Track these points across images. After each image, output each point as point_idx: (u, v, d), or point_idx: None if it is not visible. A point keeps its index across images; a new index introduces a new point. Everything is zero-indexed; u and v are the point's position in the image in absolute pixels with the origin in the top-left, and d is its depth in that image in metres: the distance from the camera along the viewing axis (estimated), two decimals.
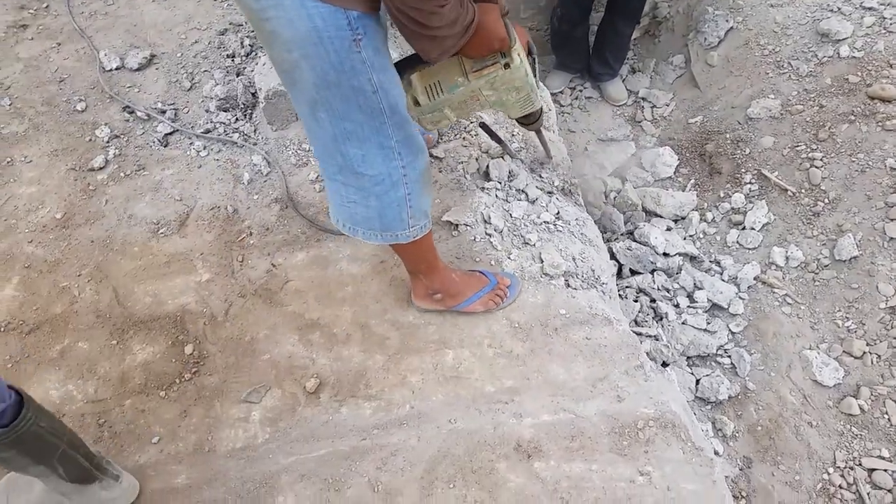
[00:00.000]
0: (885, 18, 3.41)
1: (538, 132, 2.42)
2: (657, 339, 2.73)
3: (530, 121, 2.26)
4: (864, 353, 2.63)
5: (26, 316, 2.25)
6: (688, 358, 2.80)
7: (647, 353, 2.45)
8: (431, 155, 2.59)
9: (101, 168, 2.63)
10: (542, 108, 2.21)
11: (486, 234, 2.38)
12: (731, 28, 3.83)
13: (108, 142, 2.70)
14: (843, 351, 2.68)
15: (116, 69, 2.95)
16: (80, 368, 2.13)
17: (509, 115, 2.05)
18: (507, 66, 1.76)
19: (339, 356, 2.15)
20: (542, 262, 2.33)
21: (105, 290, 2.30)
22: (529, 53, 1.92)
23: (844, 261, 2.85)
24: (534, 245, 2.38)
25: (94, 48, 3.02)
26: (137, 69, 2.94)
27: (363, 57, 1.43)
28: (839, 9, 3.55)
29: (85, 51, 3.04)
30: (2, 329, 2.21)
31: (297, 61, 1.45)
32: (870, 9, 3.49)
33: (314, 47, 1.40)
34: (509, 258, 2.34)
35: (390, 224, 1.77)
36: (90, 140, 2.72)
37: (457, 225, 2.38)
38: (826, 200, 3.05)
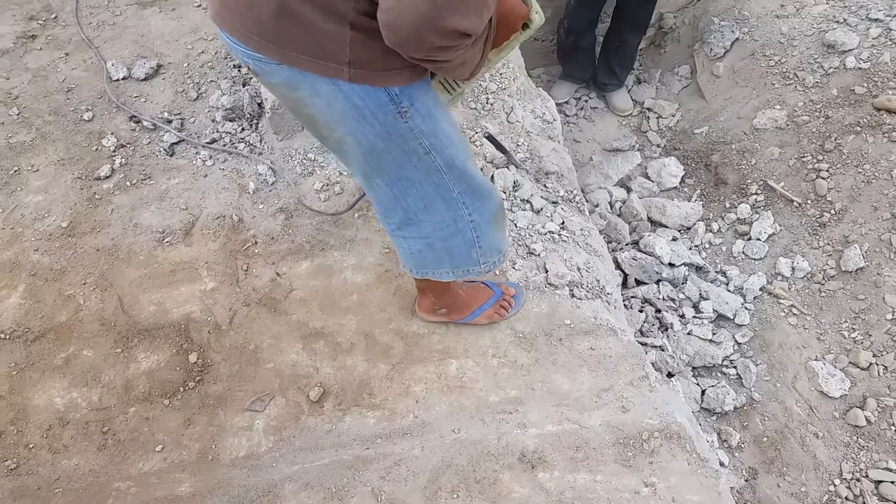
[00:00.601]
0: (891, 30, 3.41)
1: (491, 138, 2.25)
2: (662, 350, 2.73)
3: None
4: (871, 364, 2.62)
5: (31, 324, 2.25)
6: (693, 368, 2.79)
7: (652, 364, 2.45)
8: None
9: (107, 177, 2.64)
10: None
11: None
12: (737, 39, 3.83)
13: (114, 151, 2.72)
14: (850, 362, 2.66)
15: (123, 79, 2.96)
16: (84, 376, 2.14)
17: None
18: (524, 27, 1.54)
19: (342, 365, 2.15)
20: (546, 272, 2.33)
21: (110, 299, 2.31)
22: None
23: (851, 272, 2.84)
24: (538, 255, 2.38)
25: (102, 58, 3.04)
26: (144, 79, 2.95)
27: (410, 126, 1.39)
28: (845, 20, 3.55)
29: (92, 61, 3.06)
30: (7, 337, 2.22)
31: (343, 137, 1.42)
32: (876, 20, 3.50)
33: (357, 123, 1.36)
34: (514, 268, 2.34)
35: (461, 262, 1.76)
36: (97, 149, 2.73)
37: None
38: (832, 211, 3.04)
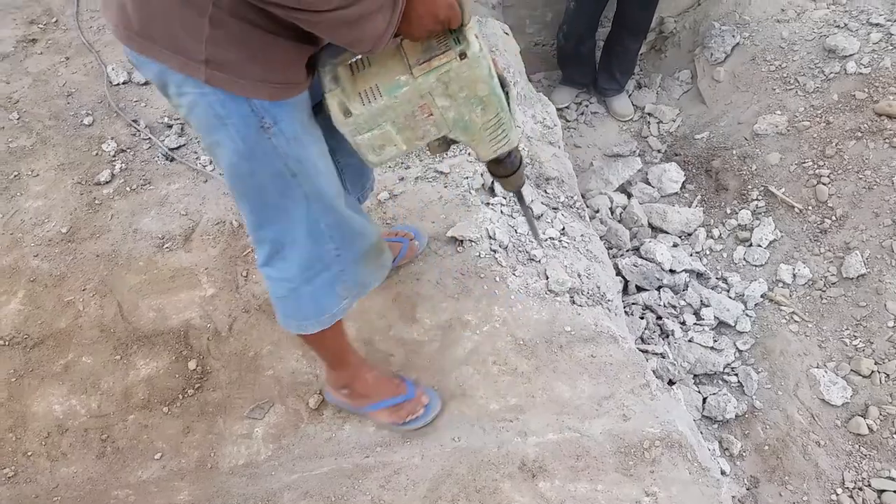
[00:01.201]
0: (891, 35, 3.40)
1: (520, 196, 1.75)
2: (663, 357, 2.72)
3: (507, 170, 1.61)
4: (873, 371, 2.61)
5: (31, 330, 2.24)
6: (694, 376, 2.79)
7: (653, 372, 2.44)
8: (437, 171, 2.59)
9: (107, 182, 2.63)
10: (521, 158, 1.62)
11: (491, 249, 2.37)
12: (738, 44, 3.83)
13: (114, 156, 2.71)
14: (851, 370, 2.66)
15: (124, 83, 2.96)
16: (83, 383, 2.13)
17: (480, 156, 1.54)
18: (462, 55, 1.30)
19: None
20: (547, 278, 2.32)
21: (109, 305, 2.30)
22: (503, 87, 1.45)
23: (852, 279, 2.84)
24: (539, 261, 2.37)
25: (102, 62, 3.03)
26: (145, 83, 2.95)
27: (274, 144, 1.31)
28: (846, 25, 3.55)
29: (93, 65, 3.05)
30: (6, 343, 2.21)
31: (211, 148, 1.34)
32: (877, 25, 3.49)
33: (219, 135, 1.29)
34: (514, 274, 2.33)
35: (325, 306, 1.62)
36: (97, 154, 2.73)
37: (462, 241, 2.37)
38: (833, 218, 3.04)
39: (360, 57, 1.36)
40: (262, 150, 1.31)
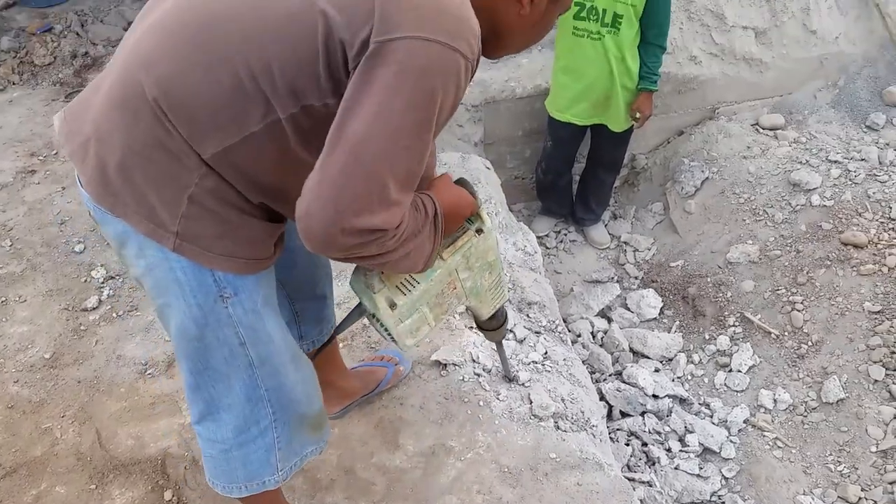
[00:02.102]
0: (849, 171, 3.62)
1: (499, 345, 2.14)
2: (650, 486, 2.68)
3: (498, 322, 1.91)
4: (860, 498, 2.59)
5: (3, 459, 2.19)
6: None
7: (640, 502, 2.40)
8: None
9: (94, 308, 2.66)
10: (507, 315, 1.92)
11: (475, 373, 2.39)
12: (707, 178, 4.04)
13: (102, 283, 2.75)
14: (839, 496, 2.63)
15: None
16: None
17: (480, 316, 1.81)
18: (479, 231, 1.55)
19: (321, 503, 2.09)
20: (531, 402, 2.32)
21: (88, 432, 2.26)
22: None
23: (832, 403, 2.87)
24: (524, 384, 2.38)
25: None
26: None
27: (230, 313, 1.33)
28: (807, 161, 3.78)
29: None
30: None
31: (162, 309, 1.36)
32: (835, 162, 3.72)
33: (175, 299, 1.31)
34: (498, 398, 2.33)
35: (256, 472, 1.57)
36: (85, 280, 2.77)
37: (445, 364, 2.39)
38: (809, 343, 3.11)
39: None
40: (215, 318, 1.33)
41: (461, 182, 1.52)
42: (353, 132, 1.07)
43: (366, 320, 1.65)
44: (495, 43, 1.32)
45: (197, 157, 1.18)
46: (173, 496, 2.11)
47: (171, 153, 1.18)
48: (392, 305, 1.50)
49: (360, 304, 1.60)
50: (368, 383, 2.26)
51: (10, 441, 2.24)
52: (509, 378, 2.28)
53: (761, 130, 4.22)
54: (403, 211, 1.15)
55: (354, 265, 1.50)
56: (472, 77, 1.19)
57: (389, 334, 1.58)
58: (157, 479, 2.15)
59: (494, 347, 2.28)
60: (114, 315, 2.63)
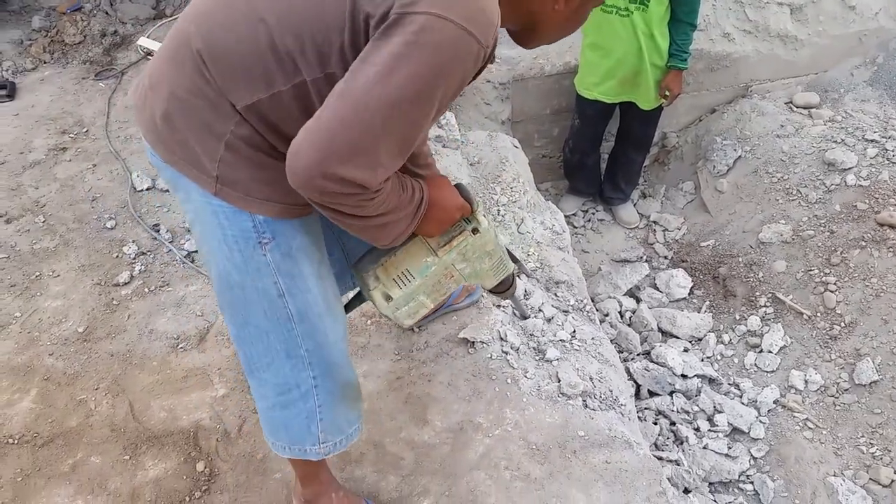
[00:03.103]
0: (887, 150, 3.53)
1: (512, 297, 2.17)
2: (678, 465, 2.66)
3: (504, 287, 1.98)
4: (893, 481, 2.55)
5: (41, 429, 2.24)
6: (710, 484, 2.72)
7: (668, 480, 2.39)
8: None
9: (125, 283, 2.69)
10: (514, 274, 1.96)
11: (503, 351, 2.38)
12: (740, 157, 3.97)
13: (134, 258, 2.78)
14: (870, 478, 2.60)
15: (147, 189, 3.08)
16: (90, 484, 2.10)
17: (485, 287, 1.87)
18: (475, 231, 1.60)
19: (351, 476, 2.11)
20: (559, 381, 2.32)
21: (121, 404, 2.30)
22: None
23: (865, 385, 2.82)
24: (551, 363, 2.38)
25: (128, 169, 3.17)
26: (167, 190, 3.07)
27: (268, 260, 1.38)
28: (843, 140, 3.69)
29: (118, 172, 3.19)
30: (15, 442, 2.20)
31: (207, 257, 1.43)
32: (872, 141, 3.64)
33: (218, 244, 1.38)
34: (526, 376, 2.33)
35: (297, 438, 1.62)
36: (117, 256, 2.80)
37: (473, 342, 2.39)
38: (842, 324, 3.05)
39: (387, 254, 1.60)
40: (255, 265, 1.39)
41: (458, 187, 1.59)
42: (357, 87, 1.12)
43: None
44: (530, 35, 1.36)
45: (231, 106, 1.25)
46: (206, 467, 2.14)
47: (209, 101, 1.26)
48: (388, 298, 1.60)
49: (360, 292, 1.71)
50: None
51: (47, 412, 2.28)
52: (524, 316, 2.45)
53: (795, 109, 4.14)
54: (387, 176, 1.20)
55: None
56: (483, 66, 1.22)
57: (388, 318, 1.67)
58: (189, 451, 2.19)
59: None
60: (145, 290, 2.67)
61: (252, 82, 1.23)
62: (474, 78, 1.25)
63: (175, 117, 1.29)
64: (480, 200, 1.69)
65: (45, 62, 3.97)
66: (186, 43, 1.26)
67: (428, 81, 1.12)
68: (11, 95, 3.67)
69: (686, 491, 2.62)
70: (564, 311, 2.63)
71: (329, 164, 1.12)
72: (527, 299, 2.59)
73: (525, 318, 2.44)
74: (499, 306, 2.54)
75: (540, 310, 2.57)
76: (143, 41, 3.97)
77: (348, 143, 1.12)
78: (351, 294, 1.89)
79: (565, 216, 3.65)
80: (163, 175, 1.42)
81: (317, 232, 1.50)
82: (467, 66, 1.15)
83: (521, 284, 2.62)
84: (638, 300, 3.63)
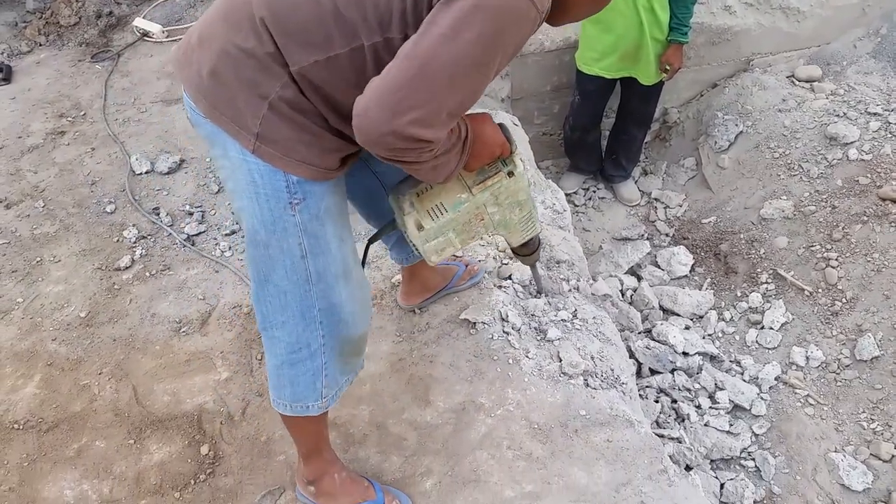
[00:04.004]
0: (889, 123, 3.51)
1: (533, 266, 2.27)
2: (680, 442, 2.68)
3: (530, 250, 2.06)
4: (893, 456, 2.56)
5: (45, 414, 2.25)
6: (711, 461, 2.74)
7: (670, 457, 2.40)
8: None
9: (127, 268, 2.69)
10: (540, 241, 2.06)
11: (504, 332, 2.39)
12: (741, 132, 3.94)
13: (134, 242, 2.78)
14: (871, 454, 2.61)
15: (146, 173, 3.07)
16: (96, 468, 2.12)
17: (511, 244, 1.96)
18: (510, 174, 1.67)
19: (354, 457, 2.12)
20: (560, 360, 2.32)
21: (125, 389, 2.32)
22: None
23: (866, 361, 2.83)
24: (552, 343, 2.38)
25: (126, 153, 3.16)
26: (167, 173, 3.06)
27: (297, 220, 1.44)
28: (845, 114, 3.66)
29: (117, 155, 3.18)
30: (21, 427, 2.22)
31: (239, 213, 1.49)
32: (875, 114, 3.61)
33: (250, 201, 1.43)
34: (527, 356, 2.34)
35: (302, 394, 1.67)
36: (118, 241, 2.80)
37: (474, 323, 2.39)
38: (844, 300, 3.05)
39: (423, 184, 1.68)
40: (282, 225, 1.44)
41: (501, 126, 1.65)
42: (424, 49, 1.18)
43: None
44: (560, 13, 1.41)
45: (282, 68, 1.31)
46: (210, 451, 2.16)
47: (259, 62, 1.31)
48: (419, 227, 1.68)
49: (393, 219, 1.77)
50: (446, 277, 2.44)
51: (52, 397, 2.30)
52: (542, 293, 2.49)
53: (797, 82, 4.10)
54: (448, 130, 1.29)
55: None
56: (536, 30, 1.30)
57: (416, 249, 1.75)
58: (193, 434, 2.20)
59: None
60: (147, 274, 2.67)
61: (311, 45, 1.28)
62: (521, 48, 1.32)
63: (223, 74, 1.34)
64: (518, 147, 1.73)
65: (40, 44, 3.94)
66: (246, 9, 1.31)
67: (490, 43, 1.19)
68: (7, 79, 3.65)
69: (688, 468, 2.63)
70: (566, 290, 2.63)
71: (398, 123, 1.18)
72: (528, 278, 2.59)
73: (541, 292, 2.49)
74: (500, 287, 2.54)
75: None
76: (139, 22, 3.93)
77: (415, 101, 1.18)
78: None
79: (566, 194, 3.63)
80: (200, 130, 1.46)
81: (342, 193, 1.57)
82: (525, 30, 1.23)
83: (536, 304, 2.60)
84: (639, 278, 3.63)
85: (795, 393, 2.89)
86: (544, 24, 1.41)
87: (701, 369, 3.00)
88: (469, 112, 1.49)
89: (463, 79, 1.22)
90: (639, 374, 3.00)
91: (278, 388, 1.68)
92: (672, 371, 2.98)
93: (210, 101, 1.38)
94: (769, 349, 3.11)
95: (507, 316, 2.41)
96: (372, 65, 1.29)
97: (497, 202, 1.71)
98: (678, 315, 3.35)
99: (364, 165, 1.80)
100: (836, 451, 2.65)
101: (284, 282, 1.51)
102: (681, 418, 2.82)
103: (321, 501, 1.92)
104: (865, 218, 3.23)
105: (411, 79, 1.18)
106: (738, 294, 3.40)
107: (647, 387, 2.92)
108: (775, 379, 2.97)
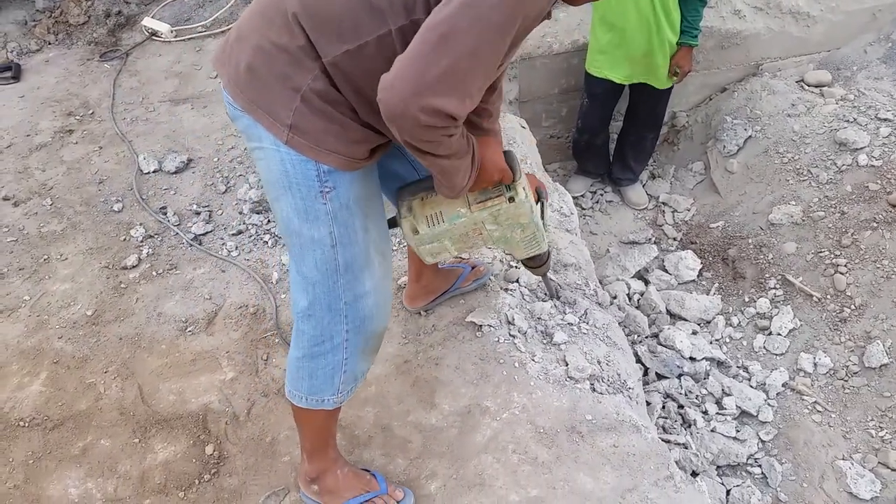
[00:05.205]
0: None
1: (544, 276, 2.28)
2: (686, 448, 2.66)
3: (537, 264, 2.10)
4: None
5: (51, 412, 2.25)
6: (718, 467, 2.72)
7: (676, 463, 2.39)
8: (456, 257, 2.63)
9: (133, 266, 2.69)
10: (549, 253, 2.08)
11: (510, 335, 2.38)
12: (750, 137, 3.93)
13: (141, 241, 2.78)
14: (879, 462, 2.59)
15: (154, 172, 3.07)
16: (100, 466, 2.12)
17: (515, 256, 1.99)
18: (511, 199, 1.70)
19: (359, 459, 2.11)
20: (566, 364, 2.31)
21: (130, 388, 2.31)
22: (539, 199, 1.88)
23: (874, 368, 2.81)
24: (559, 347, 2.37)
25: (134, 152, 3.16)
26: (175, 172, 3.06)
27: (328, 209, 1.48)
28: (855, 119, 3.64)
29: (125, 154, 3.18)
30: (26, 425, 2.22)
31: (273, 204, 1.54)
32: (885, 120, 3.58)
33: (283, 190, 1.47)
34: (533, 360, 2.33)
35: (319, 387, 1.69)
36: (125, 239, 2.80)
37: (480, 326, 2.38)
38: (852, 307, 3.03)
39: (430, 191, 1.73)
40: (314, 213, 1.48)
41: (507, 153, 1.69)
42: (445, 18, 1.19)
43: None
44: None
45: (315, 61, 1.36)
46: (214, 450, 2.15)
47: (292, 56, 1.36)
48: (414, 231, 1.74)
49: (393, 217, 1.82)
50: (449, 279, 2.44)
51: (57, 395, 2.30)
52: (551, 296, 2.49)
53: (807, 87, 4.08)
54: (472, 107, 1.28)
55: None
56: (550, 10, 1.34)
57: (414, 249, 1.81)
58: (198, 434, 2.20)
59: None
60: (153, 273, 2.67)
61: (341, 35, 1.32)
62: (538, 23, 1.33)
63: (259, 68, 1.39)
64: (524, 176, 1.75)
65: (49, 43, 3.95)
66: (280, 3, 1.36)
67: (510, 10, 1.20)
68: (17, 77, 3.66)
69: (694, 474, 2.62)
70: (573, 294, 2.62)
71: (423, 95, 1.19)
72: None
73: (551, 297, 2.49)
74: (507, 290, 2.53)
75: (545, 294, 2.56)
76: (148, 21, 3.94)
77: (440, 72, 1.19)
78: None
79: (573, 197, 3.62)
80: (238, 124, 1.51)
81: (373, 184, 1.60)
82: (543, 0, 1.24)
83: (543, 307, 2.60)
84: (646, 282, 3.61)
85: (803, 399, 2.87)
86: (552, 26, 1.41)
87: (708, 375, 2.98)
88: (482, 134, 1.57)
89: (485, 45, 1.22)
90: (645, 378, 2.99)
91: (296, 379, 1.70)
92: (679, 376, 2.96)
93: (247, 96, 1.42)
94: (777, 355, 3.09)
95: (514, 319, 2.40)
96: (400, 50, 1.29)
97: (496, 222, 1.75)
98: (685, 320, 3.34)
99: (398, 153, 1.82)
100: (843, 459, 2.63)
101: (314, 273, 1.55)
102: (687, 424, 2.81)
103: (325, 500, 1.92)
104: (875, 224, 3.21)
105: (434, 47, 1.19)
106: (746, 299, 3.38)
107: (653, 391, 2.91)
108: (783, 385, 2.95)
